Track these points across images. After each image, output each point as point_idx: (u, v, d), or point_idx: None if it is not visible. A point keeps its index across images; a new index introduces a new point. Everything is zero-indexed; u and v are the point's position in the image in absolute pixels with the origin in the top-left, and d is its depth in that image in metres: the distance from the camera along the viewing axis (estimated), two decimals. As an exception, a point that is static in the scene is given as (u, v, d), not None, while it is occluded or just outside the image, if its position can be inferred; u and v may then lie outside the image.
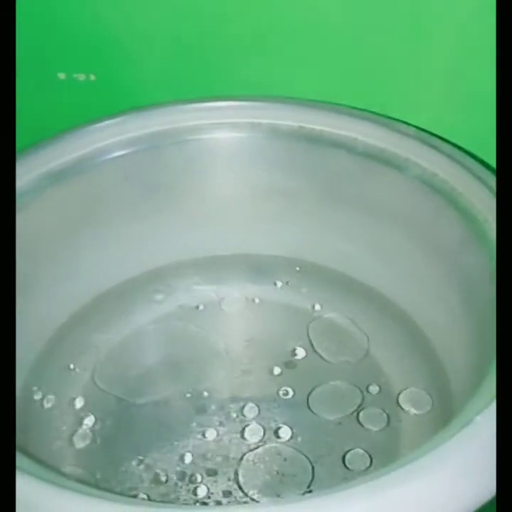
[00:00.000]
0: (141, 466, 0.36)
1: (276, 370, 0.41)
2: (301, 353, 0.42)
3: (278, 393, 0.40)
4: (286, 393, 0.40)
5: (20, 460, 0.25)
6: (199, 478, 0.36)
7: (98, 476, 0.36)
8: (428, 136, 0.39)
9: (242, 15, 0.44)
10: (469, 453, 0.24)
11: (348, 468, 0.36)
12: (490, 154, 0.42)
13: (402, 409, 0.39)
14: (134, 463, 0.36)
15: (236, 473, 0.36)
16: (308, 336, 0.43)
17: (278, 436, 0.38)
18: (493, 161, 0.41)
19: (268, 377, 0.41)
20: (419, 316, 0.41)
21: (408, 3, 0.41)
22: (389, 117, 0.41)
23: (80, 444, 0.37)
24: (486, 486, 0.24)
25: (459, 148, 0.39)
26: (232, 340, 0.43)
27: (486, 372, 0.29)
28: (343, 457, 0.37)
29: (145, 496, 0.35)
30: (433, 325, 0.40)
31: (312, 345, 0.42)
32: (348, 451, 0.37)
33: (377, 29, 0.42)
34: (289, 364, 0.41)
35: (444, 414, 0.36)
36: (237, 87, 0.47)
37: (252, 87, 0.46)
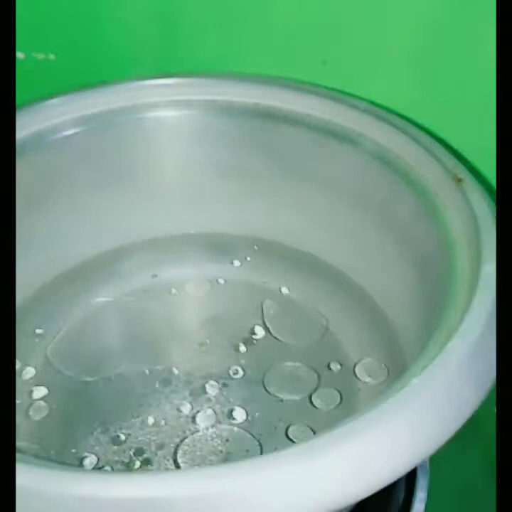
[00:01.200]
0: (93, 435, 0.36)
1: (235, 349, 0.41)
2: (260, 332, 0.42)
3: (234, 373, 0.40)
4: (238, 372, 0.40)
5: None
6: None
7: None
8: (382, 110, 0.40)
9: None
10: (405, 414, 0.24)
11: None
12: (452, 131, 0.42)
13: (359, 380, 0.39)
14: (86, 432, 0.37)
15: (175, 455, 0.36)
16: (265, 315, 0.43)
17: (232, 417, 0.38)
18: (454, 139, 0.42)
19: (226, 357, 0.41)
20: (375, 290, 0.41)
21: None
22: (344, 92, 0.41)
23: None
24: (419, 448, 0.24)
25: (413, 123, 0.39)
26: (191, 320, 0.43)
27: (430, 340, 0.29)
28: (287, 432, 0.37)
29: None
30: (389, 299, 0.40)
31: (270, 324, 0.42)
32: (295, 427, 0.37)
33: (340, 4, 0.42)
34: (248, 342, 0.41)
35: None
36: (197, 63, 0.47)
37: (214, 63, 0.46)
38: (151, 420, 0.37)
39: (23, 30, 0.48)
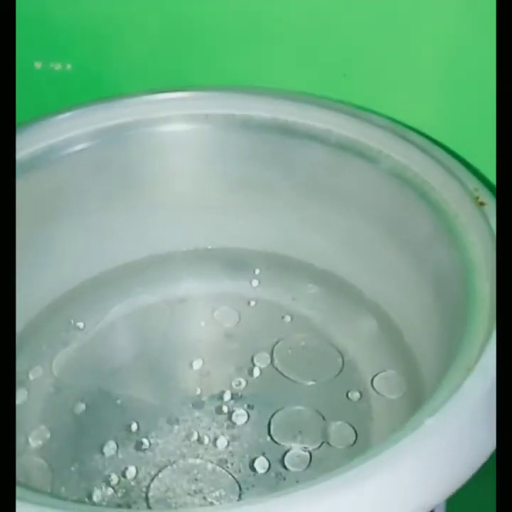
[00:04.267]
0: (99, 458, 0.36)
1: (247, 372, 0.40)
2: (281, 350, 0.41)
3: (243, 401, 0.39)
4: (251, 406, 0.39)
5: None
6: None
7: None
8: (402, 128, 0.39)
9: (225, 4, 0.43)
10: (416, 457, 0.23)
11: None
12: (475, 149, 0.41)
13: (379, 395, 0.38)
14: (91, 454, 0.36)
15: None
16: (282, 337, 0.42)
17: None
18: (474, 157, 0.41)
19: (238, 379, 0.40)
20: (391, 307, 0.41)
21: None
22: (364, 109, 0.40)
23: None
24: (432, 490, 0.23)
25: (434, 141, 0.38)
26: (205, 337, 0.43)
27: (447, 374, 0.28)
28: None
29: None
30: (405, 316, 0.40)
31: (286, 348, 0.41)
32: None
33: (366, 22, 0.41)
34: (254, 371, 0.40)
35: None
36: (216, 77, 0.46)
37: (234, 77, 0.46)
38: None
39: (41, 40, 0.48)
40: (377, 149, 0.38)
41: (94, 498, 0.34)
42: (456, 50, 0.40)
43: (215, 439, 0.37)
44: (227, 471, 0.35)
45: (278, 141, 0.41)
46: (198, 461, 0.36)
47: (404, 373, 0.39)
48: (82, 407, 0.38)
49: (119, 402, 0.38)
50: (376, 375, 0.39)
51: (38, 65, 0.49)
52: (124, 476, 0.35)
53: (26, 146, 0.38)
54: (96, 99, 0.41)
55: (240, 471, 0.35)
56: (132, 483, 0.35)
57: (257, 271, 0.45)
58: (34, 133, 0.39)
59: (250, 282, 0.45)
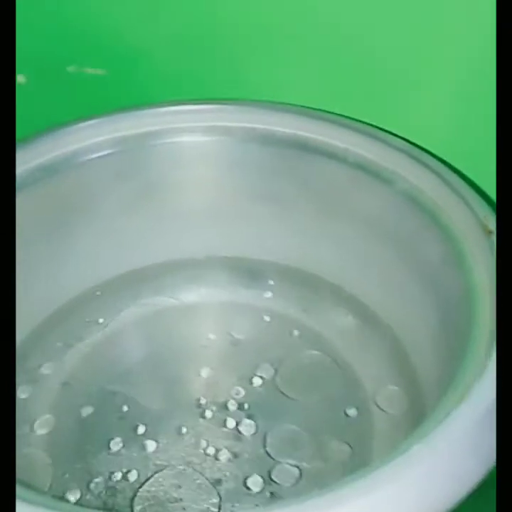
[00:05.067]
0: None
1: (248, 383, 0.41)
2: (285, 364, 0.42)
3: (243, 414, 0.40)
4: (251, 417, 0.39)
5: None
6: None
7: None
8: (418, 150, 0.39)
9: (252, 19, 0.44)
10: (401, 483, 0.24)
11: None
12: (488, 173, 0.41)
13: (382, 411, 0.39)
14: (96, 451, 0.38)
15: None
16: (289, 351, 0.43)
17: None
18: (487, 180, 0.41)
19: (237, 388, 0.41)
20: (399, 326, 0.41)
21: (413, 15, 0.40)
22: (383, 130, 0.41)
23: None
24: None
25: (449, 165, 0.38)
26: (214, 345, 0.43)
27: (442, 397, 0.28)
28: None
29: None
30: (412, 336, 0.40)
31: (291, 363, 0.42)
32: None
33: (384, 42, 0.41)
34: (267, 378, 0.41)
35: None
36: (244, 88, 0.47)
37: (257, 92, 0.46)
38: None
39: (75, 45, 0.50)
40: (392, 171, 0.39)
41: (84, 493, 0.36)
42: (476, 71, 0.40)
43: (217, 452, 0.38)
44: (214, 486, 0.36)
45: (297, 157, 0.41)
46: (189, 470, 0.37)
47: (408, 391, 0.39)
48: (88, 407, 0.40)
49: (125, 404, 0.40)
50: (379, 391, 0.40)
51: (71, 69, 0.51)
52: (125, 477, 0.37)
53: (52, 150, 0.39)
54: (122, 106, 0.42)
55: (232, 487, 0.36)
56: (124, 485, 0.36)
57: (271, 282, 0.46)
58: (59, 138, 0.40)
59: (264, 293, 0.45)
